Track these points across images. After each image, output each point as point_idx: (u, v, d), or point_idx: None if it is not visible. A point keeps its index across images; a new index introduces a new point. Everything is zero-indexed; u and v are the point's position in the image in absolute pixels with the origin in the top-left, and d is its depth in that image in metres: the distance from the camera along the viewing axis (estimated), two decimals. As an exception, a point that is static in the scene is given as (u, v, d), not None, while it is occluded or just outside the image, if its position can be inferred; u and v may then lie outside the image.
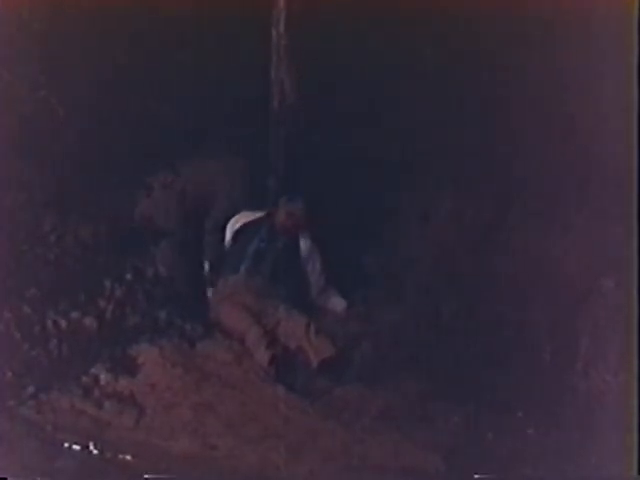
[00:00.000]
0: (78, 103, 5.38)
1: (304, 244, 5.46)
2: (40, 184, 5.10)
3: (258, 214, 5.50)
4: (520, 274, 4.82)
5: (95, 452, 4.12)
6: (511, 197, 5.10)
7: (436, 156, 5.42)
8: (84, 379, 4.46)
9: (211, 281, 5.43)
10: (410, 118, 5.52)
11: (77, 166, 5.26)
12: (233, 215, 5.59)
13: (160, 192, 5.59)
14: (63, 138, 5.28)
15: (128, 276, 5.02)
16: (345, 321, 5.31)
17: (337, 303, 5.42)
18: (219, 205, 5.69)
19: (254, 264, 5.31)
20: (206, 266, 5.49)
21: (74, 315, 4.66)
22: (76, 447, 4.13)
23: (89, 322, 4.68)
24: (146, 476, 3.96)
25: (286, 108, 5.38)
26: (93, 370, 4.51)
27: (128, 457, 4.11)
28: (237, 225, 5.46)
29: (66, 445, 4.12)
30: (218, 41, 5.44)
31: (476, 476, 4.10)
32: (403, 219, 5.69)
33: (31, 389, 4.32)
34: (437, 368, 4.76)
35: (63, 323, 4.61)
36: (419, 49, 5.33)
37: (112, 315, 4.76)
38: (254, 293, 5.24)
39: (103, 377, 4.49)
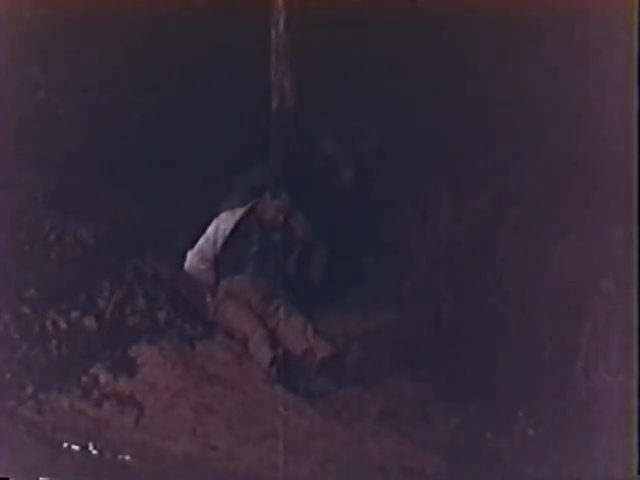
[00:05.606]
0: (78, 103, 5.39)
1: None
2: (40, 184, 5.10)
3: (238, 211, 5.47)
4: (520, 275, 4.82)
5: (94, 452, 4.13)
6: (511, 197, 5.10)
7: (436, 156, 5.41)
8: (84, 379, 4.46)
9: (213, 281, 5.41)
10: (410, 118, 5.52)
11: (77, 166, 5.26)
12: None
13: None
14: (63, 138, 5.28)
15: (128, 276, 5.01)
16: (344, 321, 5.30)
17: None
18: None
19: (259, 264, 5.30)
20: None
21: (74, 315, 4.66)
22: (75, 447, 4.13)
23: (89, 322, 4.67)
24: None
25: (286, 108, 5.39)
26: (93, 370, 4.51)
27: (127, 457, 4.11)
28: (227, 229, 5.40)
29: (65, 445, 4.13)
30: (218, 40, 5.45)
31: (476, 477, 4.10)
32: (403, 219, 5.69)
33: (30, 389, 4.32)
34: (437, 368, 4.76)
35: (63, 323, 4.61)
36: (419, 48, 5.32)
37: (112, 315, 4.75)
38: (260, 294, 5.23)
39: (103, 377, 4.49)
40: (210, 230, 5.38)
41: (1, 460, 4.01)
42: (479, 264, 5.06)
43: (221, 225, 5.39)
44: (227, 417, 4.40)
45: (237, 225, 5.38)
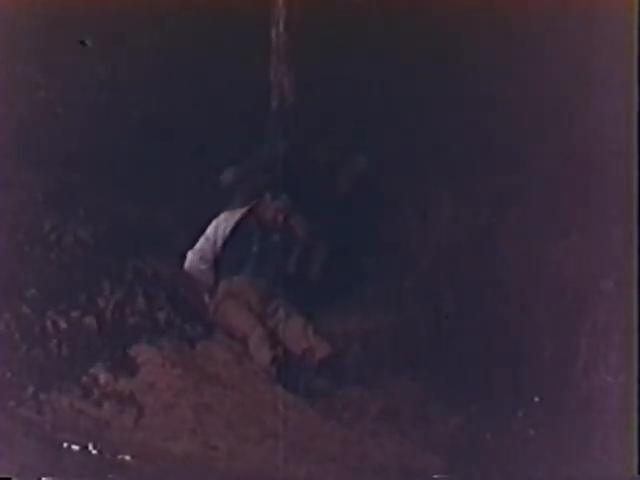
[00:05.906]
0: (77, 102, 5.38)
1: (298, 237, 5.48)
2: (40, 184, 5.10)
3: (238, 211, 5.47)
4: (520, 275, 4.82)
5: (94, 452, 4.13)
6: (511, 198, 5.10)
7: (435, 157, 5.42)
8: (84, 379, 4.45)
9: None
10: (409, 118, 5.52)
11: (77, 166, 5.26)
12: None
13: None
14: (62, 138, 5.28)
15: (128, 276, 5.01)
16: (344, 321, 5.30)
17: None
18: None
19: (258, 265, 5.31)
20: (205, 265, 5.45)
21: (74, 315, 4.65)
22: (75, 447, 4.13)
23: (89, 322, 4.67)
24: None
25: (285, 108, 5.38)
26: (93, 370, 4.50)
27: (127, 457, 4.11)
28: (228, 229, 5.42)
29: (65, 445, 4.12)
30: (217, 40, 5.44)
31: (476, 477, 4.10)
32: (403, 219, 5.69)
33: (31, 389, 4.32)
34: (437, 368, 4.76)
35: (63, 323, 4.60)
36: (419, 48, 5.32)
37: (112, 315, 4.75)
38: (259, 294, 5.24)
39: (103, 377, 4.49)
40: (210, 230, 5.38)
41: (1, 460, 4.01)
42: (479, 264, 5.06)
43: (221, 225, 5.40)
44: (227, 417, 4.40)
45: (237, 225, 5.39)
